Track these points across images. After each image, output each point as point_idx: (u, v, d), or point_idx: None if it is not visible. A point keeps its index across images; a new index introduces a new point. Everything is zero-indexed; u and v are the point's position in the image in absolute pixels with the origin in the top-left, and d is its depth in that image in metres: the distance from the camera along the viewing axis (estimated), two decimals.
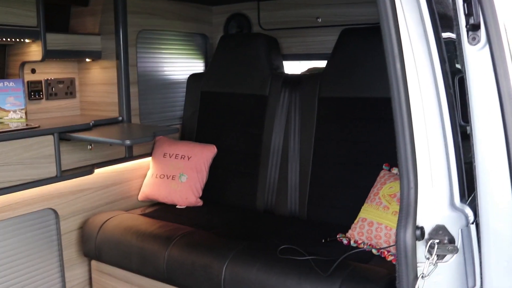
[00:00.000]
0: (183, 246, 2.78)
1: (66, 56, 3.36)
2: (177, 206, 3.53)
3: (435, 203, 1.61)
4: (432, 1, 1.60)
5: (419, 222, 1.59)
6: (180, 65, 4.07)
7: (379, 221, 2.65)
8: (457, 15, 1.46)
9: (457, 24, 1.46)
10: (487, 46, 1.38)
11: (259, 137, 3.53)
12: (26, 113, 3.21)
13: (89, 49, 3.45)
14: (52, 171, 2.96)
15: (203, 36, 4.22)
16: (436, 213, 1.60)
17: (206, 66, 4.24)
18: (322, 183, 3.25)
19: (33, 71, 3.35)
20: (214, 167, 3.61)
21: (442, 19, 1.63)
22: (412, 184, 1.56)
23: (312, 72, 3.65)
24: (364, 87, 3.16)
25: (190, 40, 4.12)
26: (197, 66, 4.20)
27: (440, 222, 1.60)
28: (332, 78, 3.31)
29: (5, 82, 3.13)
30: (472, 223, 1.59)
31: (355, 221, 2.80)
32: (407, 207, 1.56)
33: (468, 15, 1.41)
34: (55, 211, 3.11)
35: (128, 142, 2.89)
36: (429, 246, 1.57)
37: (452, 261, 1.60)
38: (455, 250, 1.57)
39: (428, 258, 1.56)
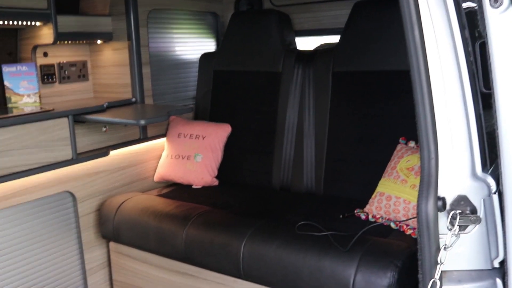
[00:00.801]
0: (201, 225, 2.77)
1: (78, 38, 3.35)
2: (193, 186, 3.53)
3: (457, 173, 1.58)
4: None
5: (441, 193, 1.56)
6: (192, 44, 4.03)
7: (398, 195, 2.62)
8: None
9: None
10: (510, 8, 1.33)
11: (274, 115, 3.50)
12: (40, 96, 3.21)
13: (100, 30, 3.43)
14: (67, 153, 2.96)
15: (214, 14, 4.17)
16: (457, 183, 1.58)
17: (217, 45, 4.21)
18: (338, 159, 3.23)
19: (45, 54, 3.34)
20: (229, 146, 3.59)
21: None
22: (433, 155, 1.53)
23: (325, 47, 3.60)
24: (378, 61, 3.11)
25: (201, 19, 4.08)
26: (209, 45, 4.17)
27: (462, 193, 1.57)
28: (345, 53, 3.26)
29: (18, 66, 3.12)
30: (495, 193, 1.56)
31: (373, 196, 2.77)
32: (428, 178, 1.53)
33: None
34: (72, 194, 3.11)
35: (142, 122, 2.88)
36: (451, 217, 1.54)
37: (474, 232, 1.58)
38: (477, 221, 1.55)
39: (450, 229, 1.54)
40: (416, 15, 1.49)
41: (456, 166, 1.58)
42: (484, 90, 1.53)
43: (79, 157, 3.04)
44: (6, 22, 2.90)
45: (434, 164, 1.53)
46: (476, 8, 1.45)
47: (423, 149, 1.54)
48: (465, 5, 1.60)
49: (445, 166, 1.57)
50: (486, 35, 1.41)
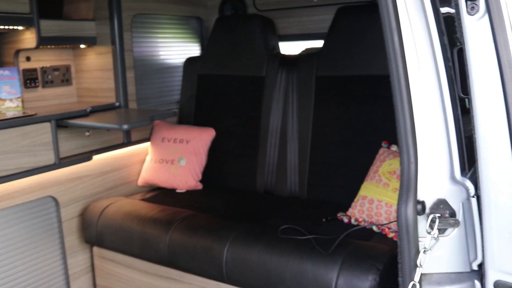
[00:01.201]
0: (184, 229, 2.77)
1: (61, 43, 3.32)
2: (177, 190, 3.52)
3: (436, 177, 1.59)
4: None
5: (420, 197, 1.58)
6: (176, 49, 4.03)
7: (380, 198, 2.64)
8: None
9: None
10: (486, 15, 1.35)
11: (257, 119, 3.51)
12: (22, 101, 3.18)
13: (83, 35, 3.41)
14: (50, 158, 2.94)
15: (198, 19, 4.17)
16: (436, 187, 1.59)
17: (202, 49, 4.21)
18: (321, 163, 3.24)
19: (28, 59, 3.31)
20: (213, 150, 3.59)
21: None
22: (412, 159, 1.54)
23: (308, 52, 3.61)
24: (361, 65, 3.13)
25: (185, 23, 4.08)
26: (193, 49, 4.16)
27: (441, 196, 1.59)
28: (329, 57, 3.28)
29: (0, 71, 3.10)
30: (473, 196, 1.58)
31: (355, 199, 2.79)
32: (407, 182, 1.55)
33: None
34: (55, 199, 3.09)
35: (125, 126, 2.88)
36: (431, 220, 1.56)
37: (453, 235, 1.59)
38: (456, 224, 1.56)
39: (429, 233, 1.55)
40: (396, 22, 1.50)
41: (435, 170, 1.59)
42: (462, 95, 1.55)
43: (62, 162, 3.01)
44: None
45: (414, 169, 1.55)
46: (454, 14, 1.47)
47: (402, 154, 1.55)
48: (443, 10, 1.62)
49: (425, 170, 1.58)
50: (464, 41, 1.42)
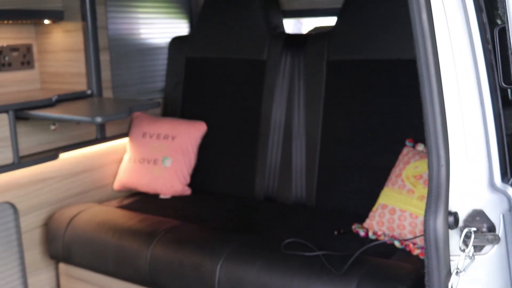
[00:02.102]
0: (169, 243, 2.77)
1: (20, 17, 3.31)
2: (160, 196, 3.52)
3: (471, 183, 1.58)
4: None
5: (452, 207, 1.57)
6: (160, 26, 4.03)
7: (403, 207, 2.64)
8: None
9: None
10: None
11: (257, 111, 3.51)
12: None
13: (48, 8, 3.40)
14: (7, 157, 2.93)
15: None
16: (472, 195, 1.58)
17: (191, 27, 4.20)
18: (333, 164, 3.24)
19: None
20: (204, 148, 3.60)
21: None
22: (443, 161, 1.53)
23: (318, 32, 3.61)
24: (382, 48, 3.13)
25: None
26: (181, 27, 4.16)
27: (478, 207, 1.57)
28: (343, 38, 3.27)
29: None
30: None
31: (374, 209, 2.79)
32: (437, 189, 1.54)
33: None
34: (13, 206, 3.08)
35: (99, 119, 2.86)
36: (465, 235, 1.55)
37: (492, 253, 1.58)
38: (496, 240, 1.55)
39: (463, 250, 1.54)
40: None
41: (470, 175, 1.58)
42: (504, 85, 1.54)
43: (21, 161, 3.00)
44: None
45: (445, 173, 1.54)
46: None
47: (431, 155, 1.54)
48: None
49: (458, 175, 1.57)
50: (506, 19, 1.41)
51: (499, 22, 1.52)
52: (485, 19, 1.57)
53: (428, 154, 1.55)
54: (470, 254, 1.54)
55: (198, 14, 4.02)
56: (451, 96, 1.55)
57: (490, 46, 1.58)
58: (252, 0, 3.61)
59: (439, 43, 1.52)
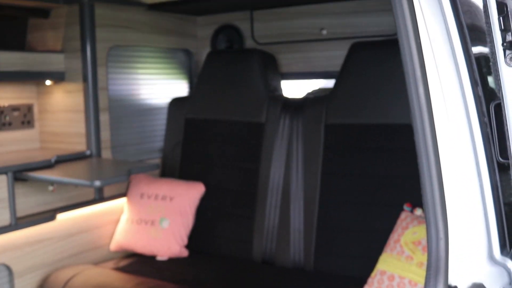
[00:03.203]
0: None
1: (23, 79, 3.36)
2: (157, 258, 3.48)
3: (471, 256, 1.57)
4: (460, 13, 1.58)
5: (452, 281, 1.55)
6: (160, 87, 4.07)
7: (402, 274, 2.61)
8: (491, 31, 1.44)
9: (491, 41, 1.45)
10: None
11: (255, 173, 3.51)
12: None
13: (50, 69, 3.44)
14: (4, 218, 2.92)
15: (186, 52, 4.22)
16: (472, 268, 1.56)
17: (191, 88, 4.24)
18: (331, 227, 3.22)
19: None
20: (202, 210, 3.58)
21: (473, 32, 1.61)
22: (441, 234, 1.52)
23: (316, 95, 3.64)
24: (379, 112, 3.15)
25: (171, 57, 4.12)
26: (180, 88, 4.20)
27: (478, 280, 1.56)
28: (341, 102, 3.30)
29: None
30: None
31: (372, 274, 2.76)
32: (436, 263, 1.52)
33: (504, 31, 1.39)
34: (8, 267, 3.05)
35: (97, 183, 2.86)
36: None
37: None
38: None
39: None
40: (421, 71, 1.51)
41: (469, 248, 1.57)
42: (500, 159, 1.54)
43: (18, 223, 3.00)
44: None
45: (444, 246, 1.53)
46: (489, 54, 1.48)
47: (430, 228, 1.53)
48: (476, 50, 1.63)
49: (457, 248, 1.56)
50: (502, 95, 1.43)
51: (495, 97, 1.54)
52: (480, 93, 1.59)
53: (426, 227, 1.54)
54: None
55: (198, 75, 4.06)
56: (449, 168, 1.55)
57: (486, 119, 1.59)
58: (251, 62, 3.66)
59: (436, 116, 1.54)
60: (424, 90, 1.52)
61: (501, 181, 1.62)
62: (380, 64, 3.19)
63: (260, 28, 4.04)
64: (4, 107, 3.43)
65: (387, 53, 3.15)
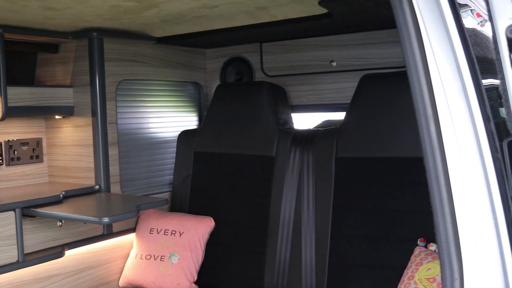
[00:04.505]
0: None
1: (32, 114, 3.38)
2: None
3: None
4: (470, 46, 1.58)
5: None
6: (169, 120, 4.08)
7: None
8: (503, 67, 1.44)
9: (503, 78, 1.44)
10: None
11: (266, 207, 3.49)
12: None
13: (59, 104, 3.47)
14: (12, 255, 2.92)
15: (196, 85, 4.25)
16: None
17: (200, 120, 4.26)
18: (343, 262, 3.19)
19: None
20: (212, 244, 3.56)
21: (483, 64, 1.61)
22: (456, 275, 1.50)
23: (327, 127, 3.63)
24: (390, 145, 3.13)
25: (180, 90, 4.15)
26: (190, 121, 4.22)
27: None
28: (351, 134, 3.29)
29: None
30: None
31: None
32: None
33: None
34: None
35: (106, 220, 2.86)
36: None
37: None
38: None
39: None
40: (432, 108, 1.51)
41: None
42: None
43: (26, 260, 2.99)
44: None
45: (459, 287, 1.51)
46: (500, 89, 1.48)
47: (444, 268, 1.51)
48: (486, 82, 1.63)
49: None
50: None
51: (507, 132, 1.53)
52: (493, 129, 1.58)
53: (441, 266, 1.53)
54: None
55: (207, 108, 4.08)
56: (463, 207, 1.54)
57: (499, 155, 1.58)
58: (261, 95, 3.67)
59: (447, 153, 1.53)
60: (436, 128, 1.52)
61: None
62: (391, 96, 3.18)
63: (270, 60, 4.06)
64: (13, 141, 3.45)
65: (397, 86, 3.15)
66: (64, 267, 3.28)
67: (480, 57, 1.62)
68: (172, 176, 3.99)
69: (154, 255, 3.49)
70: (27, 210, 2.98)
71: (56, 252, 3.16)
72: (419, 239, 2.84)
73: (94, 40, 3.44)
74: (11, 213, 2.92)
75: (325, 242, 3.25)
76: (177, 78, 4.08)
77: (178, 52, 4.04)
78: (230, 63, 4.23)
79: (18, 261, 2.94)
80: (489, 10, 1.48)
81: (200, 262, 3.51)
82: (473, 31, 1.60)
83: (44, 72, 3.65)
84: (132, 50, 3.70)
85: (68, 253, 3.23)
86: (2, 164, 3.41)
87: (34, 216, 3.02)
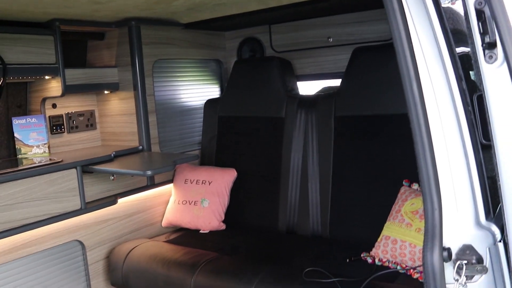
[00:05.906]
0: (209, 273, 2.75)
1: (85, 90, 3.40)
2: (200, 231, 3.51)
3: (461, 222, 1.56)
4: (445, 19, 1.57)
5: (446, 243, 1.54)
6: (196, 91, 4.07)
7: (403, 238, 2.60)
8: (472, 34, 1.43)
9: (472, 43, 1.43)
10: (505, 63, 1.34)
11: (278, 159, 3.50)
12: (49, 147, 3.24)
13: (106, 81, 3.48)
14: (76, 203, 2.97)
15: (217, 61, 4.23)
16: (462, 232, 1.56)
17: (222, 91, 4.25)
18: (342, 202, 3.21)
19: (54, 106, 3.38)
20: (235, 191, 3.59)
21: (455, 35, 1.60)
22: (436, 206, 1.52)
23: (327, 92, 3.62)
24: (379, 104, 3.12)
25: (205, 66, 4.13)
26: (213, 91, 4.21)
27: (467, 242, 1.55)
28: (347, 97, 3.28)
29: (27, 119, 3.17)
30: (500, 241, 1.54)
31: (379, 239, 2.75)
32: (432, 229, 1.52)
33: (483, 34, 1.38)
34: (81, 243, 3.11)
35: (149, 172, 2.89)
36: (457, 267, 1.52)
37: (481, 281, 1.55)
38: (484, 270, 1.52)
39: (457, 280, 1.51)
40: (414, 71, 1.50)
41: (460, 216, 1.56)
42: (484, 141, 1.53)
43: (87, 207, 3.04)
44: (18, 78, 2.95)
45: (438, 215, 1.52)
46: (470, 53, 1.47)
47: (426, 201, 1.53)
48: (459, 50, 1.62)
49: (449, 216, 1.56)
50: (483, 88, 1.42)
51: (477, 90, 1.53)
52: (464, 86, 1.58)
53: (423, 199, 1.54)
54: (463, 283, 1.51)
55: (227, 80, 4.07)
56: (440, 151, 1.54)
57: (470, 108, 1.58)
58: (271, 68, 3.65)
59: (428, 108, 1.53)
60: (417, 86, 1.52)
61: (484, 159, 1.61)
62: (379, 64, 3.16)
63: (277, 39, 4.03)
64: (71, 113, 3.48)
65: (384, 55, 3.12)
66: (117, 212, 3.33)
67: (453, 28, 1.61)
68: (201, 136, 4.00)
69: (189, 201, 3.53)
70: (86, 168, 3.02)
71: (110, 200, 3.20)
72: (404, 180, 2.85)
73: (133, 28, 3.43)
74: (74, 170, 2.96)
75: (327, 186, 3.27)
76: (202, 56, 4.06)
77: (202, 35, 4.02)
78: (245, 42, 4.20)
79: (81, 208, 3.00)
80: None
81: (226, 205, 3.54)
82: (448, 7, 1.59)
83: (93, 56, 3.65)
84: (165, 35, 3.68)
85: (120, 201, 3.28)
86: (64, 132, 3.45)
87: (92, 172, 3.06)
